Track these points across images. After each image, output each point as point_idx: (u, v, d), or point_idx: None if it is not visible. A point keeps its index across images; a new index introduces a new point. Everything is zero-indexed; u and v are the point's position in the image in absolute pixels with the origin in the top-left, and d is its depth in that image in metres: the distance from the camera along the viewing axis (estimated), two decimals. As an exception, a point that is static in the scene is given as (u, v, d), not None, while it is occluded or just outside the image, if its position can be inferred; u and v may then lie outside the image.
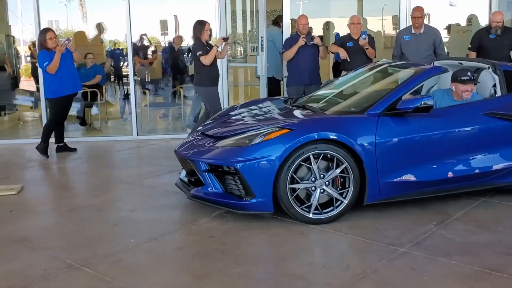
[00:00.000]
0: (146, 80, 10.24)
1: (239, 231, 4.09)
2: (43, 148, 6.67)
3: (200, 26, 6.51)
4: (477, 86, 4.78)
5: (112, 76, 10.68)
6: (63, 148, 6.99)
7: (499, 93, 4.60)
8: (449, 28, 10.18)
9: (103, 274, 3.40)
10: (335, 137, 4.00)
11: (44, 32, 6.62)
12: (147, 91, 9.46)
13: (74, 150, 7.04)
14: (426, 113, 4.16)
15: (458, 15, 9.86)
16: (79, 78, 6.94)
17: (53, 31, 6.70)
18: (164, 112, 9.88)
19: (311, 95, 5.43)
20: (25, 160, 6.84)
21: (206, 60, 6.44)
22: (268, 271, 3.52)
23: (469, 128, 4.35)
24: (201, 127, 5.13)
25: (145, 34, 10.56)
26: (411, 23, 6.91)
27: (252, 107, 5.31)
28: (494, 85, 4.64)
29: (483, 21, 8.34)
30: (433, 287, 3.14)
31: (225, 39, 6.63)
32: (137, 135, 8.05)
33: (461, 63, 5.06)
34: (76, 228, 4.27)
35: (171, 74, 10.06)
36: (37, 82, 9.75)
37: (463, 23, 9.61)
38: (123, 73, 10.42)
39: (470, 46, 6.90)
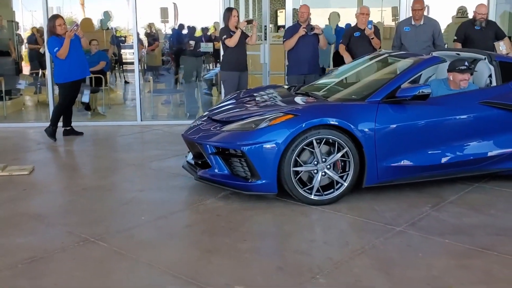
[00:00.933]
0: (150, 67, 10.43)
1: (244, 211, 4.31)
2: (51, 131, 6.86)
3: (228, 12, 6.98)
4: (474, 76, 4.98)
5: (113, 63, 10.87)
6: (69, 132, 7.18)
7: (494, 83, 4.80)
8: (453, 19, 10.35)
9: (117, 247, 3.61)
10: (337, 123, 4.20)
11: (53, 18, 6.78)
12: (150, 77, 9.65)
13: (81, 134, 7.23)
14: (424, 101, 4.36)
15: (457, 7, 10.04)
16: (87, 64, 7.11)
17: (62, 18, 6.87)
18: (166, 99, 10.09)
19: (313, 82, 5.62)
20: (32, 142, 7.03)
21: (230, 42, 6.86)
22: (273, 246, 3.74)
23: (465, 116, 4.55)
24: (207, 112, 5.33)
25: (152, 24, 10.75)
26: (411, 15, 7.09)
27: (257, 93, 5.50)
28: (490, 76, 4.84)
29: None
30: (428, 263, 3.35)
31: (248, 22, 6.92)
32: (141, 120, 8.24)
33: (458, 54, 5.25)
34: (88, 206, 4.47)
35: (175, 62, 10.25)
36: (40, 67, 9.93)
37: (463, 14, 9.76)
38: (128, 60, 10.62)
39: (455, 37, 7.13)
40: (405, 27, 7.04)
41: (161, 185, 5.04)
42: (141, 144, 7.16)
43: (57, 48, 6.61)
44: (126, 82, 11.94)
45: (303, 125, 4.16)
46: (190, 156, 5.09)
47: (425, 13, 7.22)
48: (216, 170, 4.51)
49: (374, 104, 4.38)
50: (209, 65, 10.96)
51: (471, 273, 3.21)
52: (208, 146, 4.53)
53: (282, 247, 3.69)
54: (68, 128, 7.18)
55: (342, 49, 7.11)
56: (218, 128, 4.64)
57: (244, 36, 6.98)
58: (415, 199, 4.50)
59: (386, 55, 5.48)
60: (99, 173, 5.59)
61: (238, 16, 7.02)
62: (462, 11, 9.22)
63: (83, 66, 6.94)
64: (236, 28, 6.92)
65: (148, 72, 10.33)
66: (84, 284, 3.13)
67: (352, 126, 4.22)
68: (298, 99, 4.92)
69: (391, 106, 4.41)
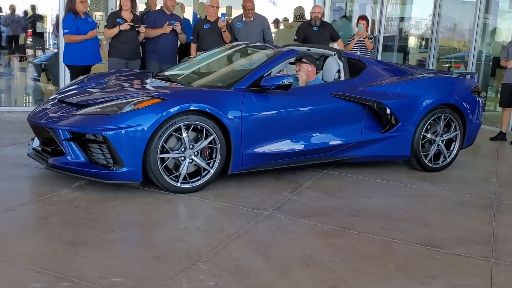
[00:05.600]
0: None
1: (105, 201, 4.03)
2: None
3: None
4: (324, 71, 5.31)
5: None
6: None
7: (343, 78, 5.18)
8: (277, 22, 11.01)
9: (-38, 244, 3.12)
10: (207, 109, 4.15)
11: None
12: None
13: None
14: (286, 91, 4.53)
15: (287, 11, 10.68)
16: None
17: None
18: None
19: (172, 69, 5.45)
20: None
21: (105, 33, 6.52)
22: (144, 235, 3.56)
23: (319, 107, 4.82)
24: (56, 95, 4.88)
25: None
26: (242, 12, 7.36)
27: (110, 77, 5.17)
28: (339, 71, 5.21)
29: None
30: (300, 243, 3.49)
31: (132, 27, 6.46)
32: (-40, 106, 7.25)
33: (309, 50, 5.56)
34: None
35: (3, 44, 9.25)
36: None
37: (291, 18, 10.41)
38: None
39: (296, 37, 7.67)
40: (237, 23, 7.29)
41: (2, 175, 4.48)
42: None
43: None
44: None
45: (172, 110, 4.03)
46: (36, 143, 4.61)
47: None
48: (71, 158, 4.15)
49: (240, 92, 4.42)
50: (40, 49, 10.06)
51: (339, 250, 3.43)
52: (61, 131, 4.14)
53: (154, 236, 3.52)
54: None
55: (193, 49, 7.06)
56: (73, 111, 4.27)
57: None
58: (275, 185, 4.66)
59: (244, 45, 5.58)
60: None
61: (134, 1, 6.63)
62: (300, 14, 9.82)
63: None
64: (132, 12, 6.53)
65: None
66: None
67: (221, 113, 4.21)
68: (160, 84, 4.77)
69: (255, 95, 4.49)
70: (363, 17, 7.90)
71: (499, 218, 4.22)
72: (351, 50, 7.62)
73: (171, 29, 6.64)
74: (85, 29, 6.34)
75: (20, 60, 9.29)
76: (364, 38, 7.69)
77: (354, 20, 10.28)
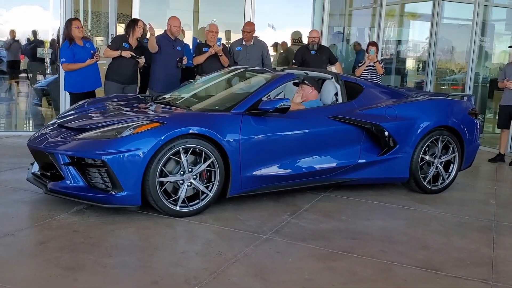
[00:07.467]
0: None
1: (104, 225, 4.03)
2: None
3: (133, 23, 6.57)
4: (321, 94, 5.35)
5: None
6: None
7: (340, 101, 5.22)
8: (276, 45, 11.13)
9: (-40, 270, 3.11)
10: (206, 133, 4.18)
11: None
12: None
13: None
14: (284, 113, 4.56)
15: (285, 35, 10.78)
16: None
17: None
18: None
19: (171, 93, 5.51)
20: None
21: (105, 52, 6.55)
22: (142, 260, 3.54)
23: (317, 130, 4.84)
24: (55, 120, 4.92)
25: None
26: (241, 36, 7.45)
27: (109, 102, 5.21)
28: (336, 94, 5.25)
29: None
30: (298, 267, 3.48)
31: (133, 57, 6.51)
32: (-41, 131, 7.29)
33: (307, 73, 5.61)
34: None
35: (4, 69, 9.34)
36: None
37: (289, 42, 10.50)
38: None
39: (294, 61, 7.77)
40: (237, 47, 7.40)
41: (1, 200, 4.49)
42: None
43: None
44: None
45: (171, 134, 4.06)
46: (35, 167, 4.62)
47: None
48: (70, 182, 4.16)
49: (239, 115, 4.46)
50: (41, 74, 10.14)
51: (338, 274, 3.41)
52: (60, 155, 4.16)
53: (153, 261, 3.51)
54: None
55: (196, 59, 7.14)
56: (73, 136, 4.30)
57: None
58: (274, 208, 4.66)
59: (243, 69, 5.64)
60: None
61: (144, 28, 6.72)
62: (298, 38, 9.93)
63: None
64: (137, 40, 6.60)
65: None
66: None
67: (219, 136, 4.24)
68: (158, 108, 4.80)
69: (253, 118, 4.52)
70: (373, 43, 8.04)
71: (498, 240, 4.21)
72: (361, 74, 7.71)
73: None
74: (81, 56, 6.30)
75: (21, 85, 9.35)
76: (375, 63, 7.78)
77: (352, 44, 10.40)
